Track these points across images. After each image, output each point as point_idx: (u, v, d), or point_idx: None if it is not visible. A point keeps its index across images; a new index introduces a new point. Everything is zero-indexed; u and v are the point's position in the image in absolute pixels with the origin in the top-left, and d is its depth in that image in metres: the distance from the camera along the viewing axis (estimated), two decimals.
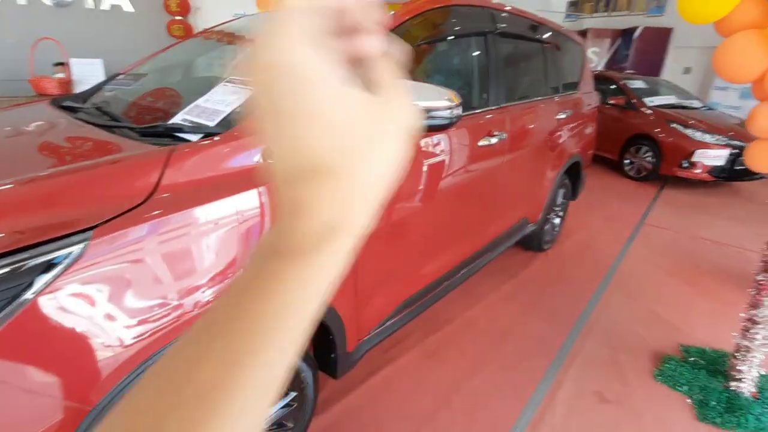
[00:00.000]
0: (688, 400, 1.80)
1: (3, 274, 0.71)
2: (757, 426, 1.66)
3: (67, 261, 0.75)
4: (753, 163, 1.69)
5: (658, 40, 8.29)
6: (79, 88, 3.10)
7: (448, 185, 1.69)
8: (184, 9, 4.98)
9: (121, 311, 0.82)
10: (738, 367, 1.78)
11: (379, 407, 1.68)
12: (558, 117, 2.64)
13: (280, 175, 0.20)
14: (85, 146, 1.12)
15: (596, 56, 8.69)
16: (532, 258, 3.00)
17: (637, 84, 5.76)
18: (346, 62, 0.20)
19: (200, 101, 1.23)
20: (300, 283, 0.20)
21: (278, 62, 0.18)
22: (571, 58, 3.01)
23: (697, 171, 4.81)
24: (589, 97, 3.18)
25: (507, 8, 2.17)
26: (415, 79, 1.33)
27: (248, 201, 1.01)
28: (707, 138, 4.78)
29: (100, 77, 3.19)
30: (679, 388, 1.85)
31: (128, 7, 4.61)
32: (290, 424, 1.35)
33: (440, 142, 1.60)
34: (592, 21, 9.28)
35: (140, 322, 0.85)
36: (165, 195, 0.89)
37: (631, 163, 5.40)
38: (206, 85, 1.30)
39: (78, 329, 0.77)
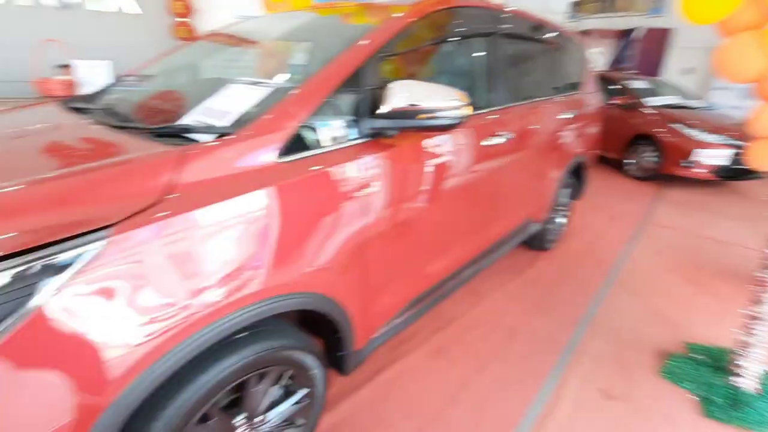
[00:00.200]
0: (694, 397, 1.81)
1: (36, 266, 0.73)
2: (761, 421, 1.67)
3: (89, 256, 0.77)
4: (753, 162, 1.71)
5: (658, 40, 8.32)
6: (83, 90, 3.12)
7: (455, 185, 1.71)
8: (188, 11, 5.01)
9: (137, 309, 0.83)
10: (740, 364, 1.79)
11: (387, 404, 1.70)
12: (562, 117, 2.66)
13: None
14: (97, 146, 1.13)
15: (602, 56, 8.72)
16: (537, 257, 3.01)
17: (639, 84, 5.78)
18: None
19: (211, 102, 1.25)
20: None
21: None
22: (574, 58, 3.02)
23: (699, 170, 4.82)
24: (592, 97, 3.19)
25: (510, 9, 2.19)
26: (422, 80, 1.35)
27: (260, 200, 1.02)
28: (709, 138, 4.79)
29: (107, 79, 3.21)
30: (685, 385, 1.86)
31: (134, 9, 4.63)
32: (301, 421, 1.36)
33: (446, 142, 1.61)
34: (593, 22, 9.31)
35: (153, 321, 0.86)
36: (180, 194, 0.91)
37: (634, 163, 5.41)
38: (215, 86, 1.31)
39: (96, 325, 0.79)
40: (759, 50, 1.48)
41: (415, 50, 1.65)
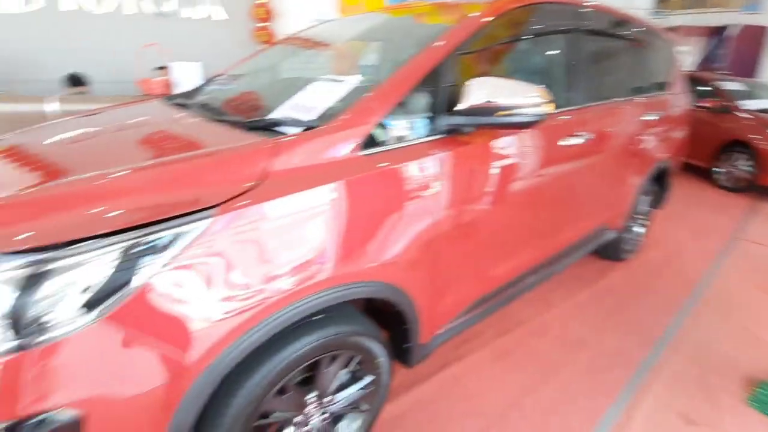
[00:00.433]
0: None
1: (148, 241, 0.83)
2: None
3: (197, 231, 0.86)
4: None
5: (755, 38, 7.52)
6: (179, 89, 3.43)
7: (529, 185, 1.67)
8: (269, 16, 5.33)
9: (231, 285, 0.91)
10: None
11: (449, 401, 1.70)
12: (645, 119, 2.49)
13: None
14: (201, 135, 1.25)
15: (689, 55, 8.06)
16: (611, 267, 2.84)
17: (732, 86, 5.25)
18: None
19: (297, 98, 1.33)
20: None
21: None
22: (660, 56, 2.82)
23: None
24: (680, 99, 2.96)
25: (591, 4, 2.09)
26: (501, 77, 1.33)
27: (342, 189, 1.07)
28: None
29: (198, 79, 3.50)
30: None
31: (222, 15, 5.04)
32: (365, 407, 1.40)
33: (521, 141, 1.58)
34: (681, 18, 8.60)
35: (244, 298, 0.93)
36: (273, 180, 0.98)
37: (724, 171, 4.92)
38: (299, 85, 1.40)
39: (196, 297, 0.87)
40: None
41: (491, 48, 1.64)
